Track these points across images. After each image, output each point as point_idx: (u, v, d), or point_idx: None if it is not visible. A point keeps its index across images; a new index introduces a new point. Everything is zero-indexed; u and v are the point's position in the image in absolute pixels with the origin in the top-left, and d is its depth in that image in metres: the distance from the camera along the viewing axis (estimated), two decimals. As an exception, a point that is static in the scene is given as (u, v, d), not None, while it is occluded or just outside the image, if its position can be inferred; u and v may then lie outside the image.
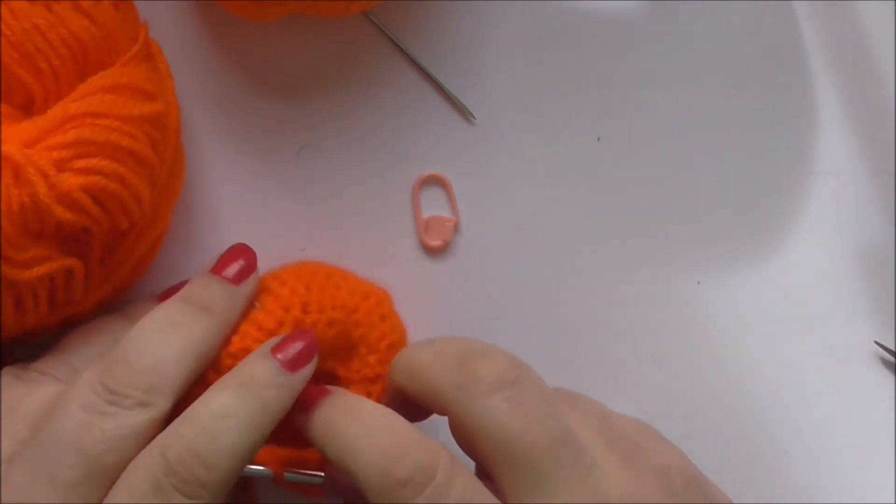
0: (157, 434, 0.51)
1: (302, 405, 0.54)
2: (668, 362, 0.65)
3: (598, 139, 0.66)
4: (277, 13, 0.62)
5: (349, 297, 0.59)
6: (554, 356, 0.64)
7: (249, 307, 0.57)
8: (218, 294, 0.56)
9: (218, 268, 0.57)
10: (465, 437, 0.53)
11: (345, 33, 0.65)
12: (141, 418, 0.51)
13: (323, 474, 0.57)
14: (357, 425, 0.52)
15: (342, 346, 0.59)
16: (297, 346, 0.54)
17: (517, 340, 0.64)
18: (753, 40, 0.66)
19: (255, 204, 0.64)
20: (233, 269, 0.57)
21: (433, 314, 0.65)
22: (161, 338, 0.53)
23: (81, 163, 0.53)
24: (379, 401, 0.57)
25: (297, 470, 0.58)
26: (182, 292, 0.56)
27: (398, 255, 0.65)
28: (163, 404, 0.52)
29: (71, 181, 0.53)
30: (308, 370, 0.54)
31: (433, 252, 0.65)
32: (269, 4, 0.61)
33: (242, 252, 0.57)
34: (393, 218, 0.65)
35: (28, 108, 0.56)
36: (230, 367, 0.54)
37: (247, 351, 0.55)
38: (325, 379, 0.59)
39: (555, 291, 0.65)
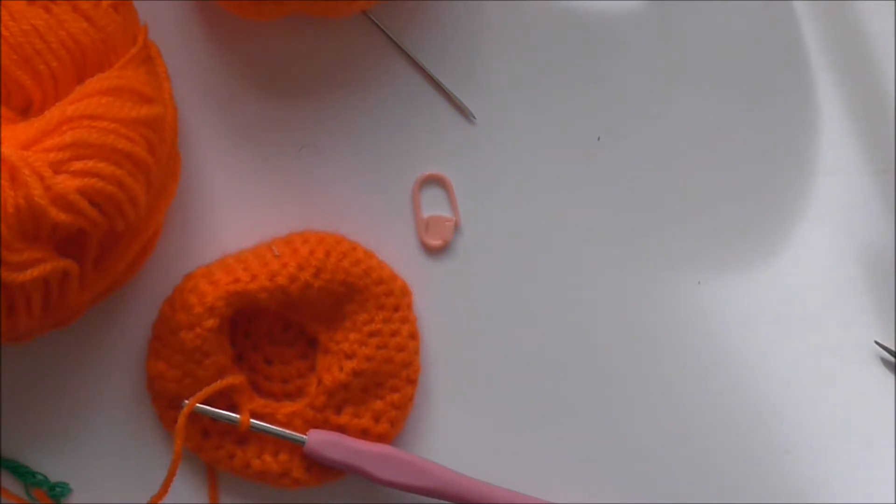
0: None
1: None
2: (668, 362, 0.65)
3: (598, 139, 0.66)
4: (277, 13, 0.62)
5: (361, 276, 0.62)
6: (554, 356, 0.65)
7: (268, 252, 0.61)
8: None
9: None
10: None
11: (345, 33, 0.65)
12: None
13: (238, 416, 0.61)
14: None
15: (333, 314, 0.62)
16: None
17: (517, 340, 0.64)
18: (753, 40, 0.66)
19: (254, 203, 0.64)
20: None
21: (433, 313, 0.65)
22: None
23: (78, 165, 0.53)
24: (348, 376, 0.61)
25: (212, 409, 0.61)
26: None
27: (398, 254, 0.65)
28: None
29: (67, 183, 0.53)
30: None
31: (433, 252, 0.65)
32: (269, 4, 0.61)
33: None
34: (393, 218, 0.65)
35: (26, 111, 0.56)
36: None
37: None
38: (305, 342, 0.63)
39: (555, 291, 0.65)
